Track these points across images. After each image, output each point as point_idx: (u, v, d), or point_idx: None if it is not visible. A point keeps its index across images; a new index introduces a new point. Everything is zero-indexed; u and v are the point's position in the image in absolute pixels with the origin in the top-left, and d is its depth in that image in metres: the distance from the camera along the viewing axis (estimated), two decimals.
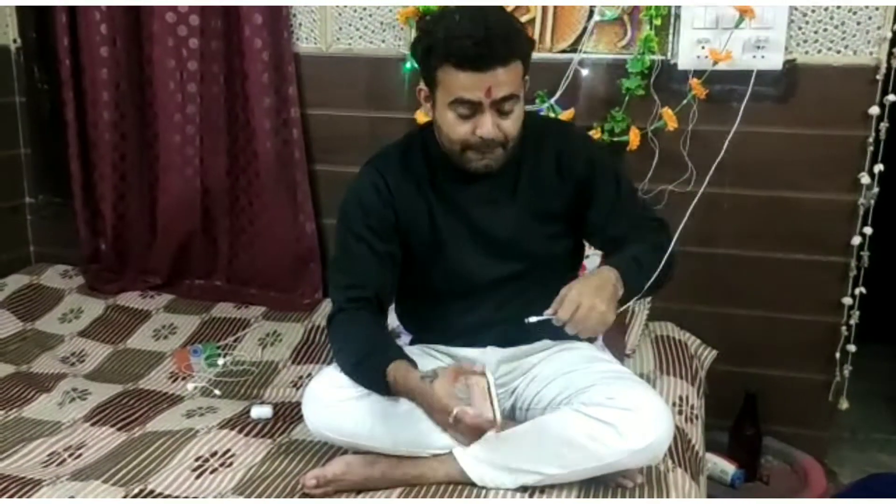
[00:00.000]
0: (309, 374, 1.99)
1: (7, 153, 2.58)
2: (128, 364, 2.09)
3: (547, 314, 1.38)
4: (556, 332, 1.68)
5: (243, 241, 2.46)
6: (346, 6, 2.28)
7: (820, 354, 2.17)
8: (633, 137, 2.09)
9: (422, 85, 1.51)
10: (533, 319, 1.39)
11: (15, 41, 2.52)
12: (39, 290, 2.43)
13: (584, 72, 2.15)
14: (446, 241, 1.59)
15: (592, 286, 1.40)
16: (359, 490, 1.47)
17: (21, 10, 2.49)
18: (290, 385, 1.97)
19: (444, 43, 1.40)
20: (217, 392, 1.93)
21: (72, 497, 1.42)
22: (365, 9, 2.28)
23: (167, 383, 1.98)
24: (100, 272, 2.50)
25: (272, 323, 2.29)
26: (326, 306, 2.37)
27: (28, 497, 1.42)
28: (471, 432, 1.43)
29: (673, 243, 1.54)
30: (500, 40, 1.39)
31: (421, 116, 2.24)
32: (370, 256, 1.57)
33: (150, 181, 2.47)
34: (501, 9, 1.52)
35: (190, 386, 1.95)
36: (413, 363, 1.45)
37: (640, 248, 1.53)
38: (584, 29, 2.14)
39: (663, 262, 1.50)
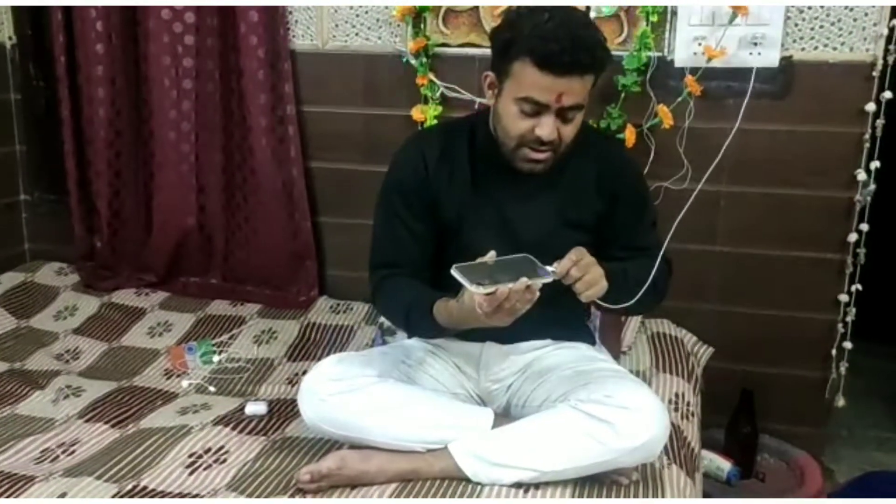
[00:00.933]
0: (304, 371, 1.98)
1: (2, 150, 2.58)
2: (122, 361, 2.08)
3: (554, 268, 1.37)
4: (556, 332, 1.69)
5: (239, 239, 2.45)
6: (341, 4, 2.28)
7: (816, 352, 2.17)
8: (629, 135, 2.08)
9: (489, 72, 1.51)
10: (547, 277, 1.35)
11: (10, 38, 2.52)
12: (34, 288, 2.42)
13: None
14: (470, 229, 1.59)
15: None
16: (353, 485, 1.47)
17: (16, 8, 2.49)
18: (285, 382, 1.96)
19: (529, 39, 1.39)
20: (212, 389, 1.92)
21: (64, 494, 1.41)
22: (361, 6, 2.28)
23: (162, 380, 1.97)
24: (95, 270, 2.50)
25: (268, 320, 2.28)
26: (322, 304, 2.37)
27: (20, 494, 1.41)
28: (505, 312, 1.35)
29: (653, 271, 1.54)
30: (585, 51, 1.39)
31: (417, 113, 2.24)
32: (407, 236, 1.60)
33: (145, 178, 2.46)
34: (588, 18, 1.49)
35: (185, 383, 1.94)
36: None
37: (634, 267, 1.55)
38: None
39: (647, 286, 1.51)
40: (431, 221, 1.61)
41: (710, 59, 1.99)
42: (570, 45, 1.37)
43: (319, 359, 2.00)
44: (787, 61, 2.02)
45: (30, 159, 2.60)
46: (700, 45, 2.02)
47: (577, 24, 1.41)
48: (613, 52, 2.08)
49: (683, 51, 2.05)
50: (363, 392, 1.52)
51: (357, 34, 2.30)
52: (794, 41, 2.02)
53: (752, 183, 2.09)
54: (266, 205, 2.37)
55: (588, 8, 2.10)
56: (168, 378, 1.99)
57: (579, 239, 1.59)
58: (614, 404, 1.43)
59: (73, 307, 2.35)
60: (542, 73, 1.39)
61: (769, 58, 2.01)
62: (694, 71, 2.03)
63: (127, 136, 2.43)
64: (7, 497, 1.41)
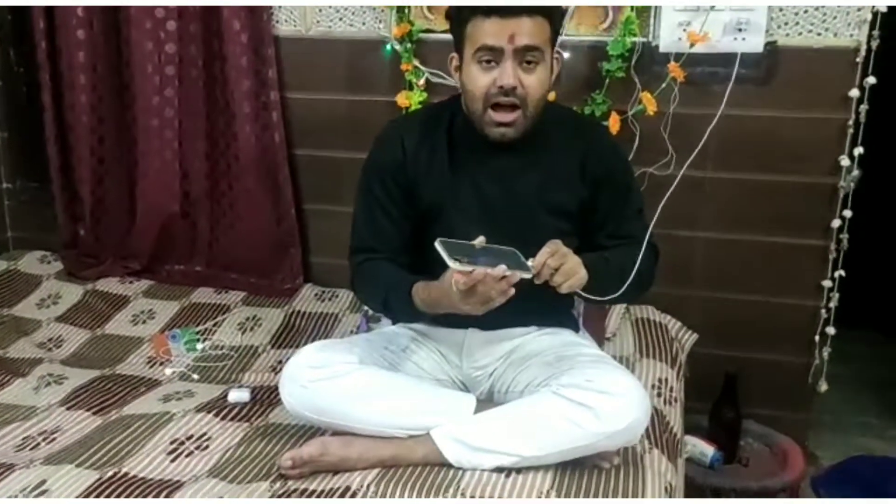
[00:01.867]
0: (289, 359, 1.97)
1: None
2: (106, 349, 2.07)
3: (534, 262, 1.37)
4: (540, 320, 1.69)
5: (223, 226, 2.44)
6: None
7: (800, 337, 2.18)
8: (614, 121, 2.08)
9: (453, 54, 1.54)
10: (527, 273, 1.36)
11: None
12: (17, 276, 2.41)
13: (565, 54, 2.13)
14: (450, 212, 1.58)
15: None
16: (335, 471, 1.47)
17: None
18: (269, 370, 1.96)
19: None
20: (195, 376, 1.92)
21: (44, 481, 1.41)
22: None
23: (145, 368, 1.97)
24: (78, 257, 2.48)
25: (252, 308, 2.28)
26: (307, 291, 2.37)
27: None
28: (479, 297, 1.36)
29: (637, 262, 1.53)
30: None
31: (402, 99, 2.23)
32: (386, 220, 1.60)
33: (128, 165, 2.44)
34: None
35: (168, 371, 1.94)
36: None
37: (617, 255, 1.56)
38: (565, 11, 2.12)
39: (633, 275, 1.51)
40: (411, 206, 1.61)
41: (693, 45, 1.99)
42: None
43: (303, 346, 2.01)
44: (771, 47, 2.02)
45: (11, 146, 2.58)
46: (684, 30, 2.02)
47: None
48: (597, 39, 2.12)
49: (668, 36, 2.05)
50: (345, 378, 1.51)
51: (341, 19, 2.29)
52: (779, 27, 2.01)
53: (736, 169, 2.09)
54: (250, 192, 2.36)
55: None
56: (151, 366, 1.98)
57: (562, 226, 1.59)
58: (595, 389, 1.44)
59: (57, 295, 2.33)
60: (491, 18, 1.43)
61: (753, 43, 2.01)
62: (678, 57, 2.03)
63: (110, 123, 2.41)
64: None
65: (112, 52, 2.37)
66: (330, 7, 2.28)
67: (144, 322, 2.21)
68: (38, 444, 1.58)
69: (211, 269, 2.48)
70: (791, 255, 2.13)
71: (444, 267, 1.33)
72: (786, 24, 2.01)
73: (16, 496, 1.37)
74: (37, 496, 1.37)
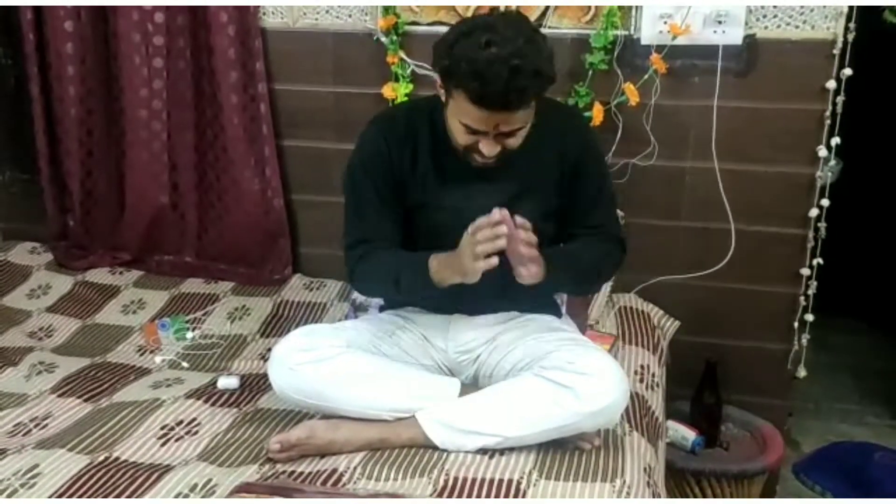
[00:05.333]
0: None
1: None
2: (96, 338, 2.10)
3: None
4: (523, 305, 1.73)
5: (212, 217, 2.46)
6: None
7: (779, 324, 2.22)
8: (597, 112, 2.11)
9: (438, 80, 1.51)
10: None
11: None
12: (7, 267, 2.42)
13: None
14: (434, 211, 1.61)
15: None
16: (322, 454, 1.50)
17: None
18: (257, 357, 1.99)
19: (464, 75, 1.38)
20: (185, 364, 1.94)
21: (36, 465, 1.43)
22: None
23: (135, 356, 1.99)
24: (68, 249, 2.50)
25: (241, 297, 2.30)
26: (296, 281, 2.40)
27: None
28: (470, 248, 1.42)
29: (598, 254, 1.60)
30: (519, 92, 1.38)
31: (388, 91, 2.26)
32: (376, 214, 1.62)
33: (117, 157, 2.46)
34: (534, 43, 1.41)
35: (158, 359, 1.96)
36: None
37: (583, 246, 1.60)
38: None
39: (593, 267, 1.59)
40: (398, 200, 1.63)
41: (675, 37, 2.02)
42: (502, 87, 1.36)
43: None
44: (750, 39, 2.05)
45: (0, 138, 2.58)
46: (666, 23, 2.05)
47: (513, 54, 1.35)
48: (580, 31, 2.15)
49: (649, 28, 2.08)
50: (332, 362, 1.55)
51: (327, 12, 2.30)
52: (758, 19, 2.05)
53: (716, 159, 2.13)
54: (239, 183, 2.38)
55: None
56: (142, 354, 2.01)
57: (541, 212, 1.61)
58: (575, 370, 1.48)
59: (47, 286, 2.35)
60: (477, 108, 1.40)
61: (733, 35, 2.04)
62: (660, 49, 2.06)
63: (98, 115, 2.42)
64: None
65: (100, 43, 2.38)
66: (316, 4, 2.30)
67: (135, 312, 2.23)
68: (30, 430, 1.60)
69: (200, 259, 2.50)
70: (770, 244, 2.17)
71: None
72: (764, 16, 2.05)
73: (8, 479, 1.39)
74: (29, 479, 1.39)
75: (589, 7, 2.15)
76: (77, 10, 2.32)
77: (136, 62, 2.35)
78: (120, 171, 2.46)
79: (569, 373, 1.47)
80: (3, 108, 2.55)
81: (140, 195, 2.43)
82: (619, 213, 2.16)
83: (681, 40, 2.04)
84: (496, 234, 1.40)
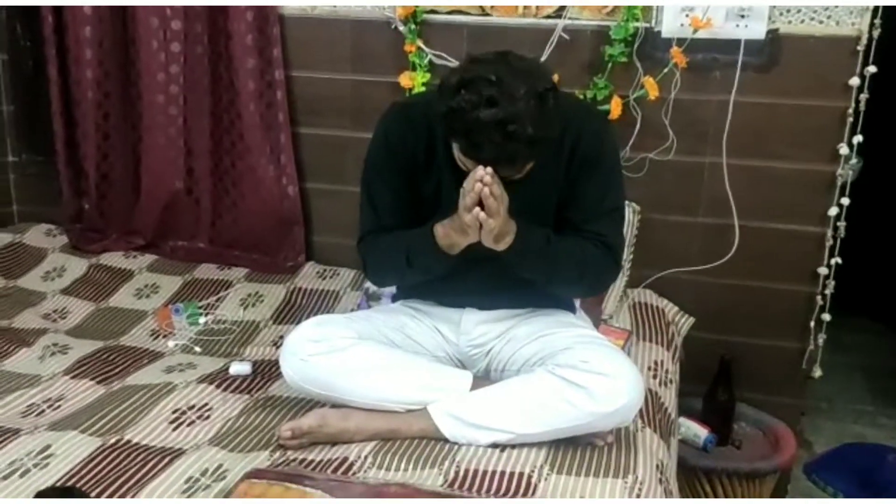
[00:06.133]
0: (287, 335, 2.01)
1: None
2: (110, 321, 2.10)
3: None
4: (536, 301, 1.71)
5: (227, 203, 2.46)
6: None
7: (795, 323, 2.20)
8: (615, 105, 2.09)
9: None
10: None
11: None
12: (22, 249, 2.43)
13: (568, 38, 2.15)
14: (447, 205, 1.56)
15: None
16: (333, 442, 1.50)
17: None
18: (270, 344, 1.99)
19: (457, 131, 1.36)
20: (197, 349, 1.95)
21: (48, 446, 1.44)
22: None
23: (148, 340, 2.00)
24: (83, 232, 2.51)
25: (254, 284, 2.30)
26: (309, 269, 2.39)
27: (5, 445, 1.44)
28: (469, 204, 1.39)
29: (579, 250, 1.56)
30: (509, 158, 1.35)
31: (405, 80, 2.24)
32: (391, 204, 1.61)
33: (133, 141, 2.46)
34: (540, 102, 1.34)
35: (171, 343, 1.97)
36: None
37: (569, 239, 1.55)
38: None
39: (571, 265, 1.54)
40: (412, 192, 1.61)
41: (696, 30, 2.00)
42: (493, 153, 1.33)
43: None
44: (773, 34, 2.03)
45: (17, 120, 2.59)
46: (687, 16, 2.03)
47: (511, 118, 1.30)
48: (600, 23, 2.13)
49: (671, 21, 2.06)
50: (343, 353, 1.54)
51: None
52: (781, 14, 2.02)
53: (735, 155, 2.11)
54: (254, 170, 2.38)
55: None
56: (154, 338, 2.01)
57: (548, 220, 1.59)
58: (590, 370, 1.46)
59: (62, 268, 2.36)
60: (469, 159, 1.39)
61: (756, 30, 2.02)
62: (681, 42, 2.04)
63: (115, 98, 2.42)
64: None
65: (118, 27, 2.38)
66: None
67: (148, 296, 2.23)
68: (43, 410, 1.61)
69: (214, 245, 2.50)
70: (788, 242, 2.15)
71: None
72: (788, 11, 2.02)
73: (21, 459, 1.40)
74: (42, 459, 1.40)
75: None
76: None
77: (153, 46, 2.35)
78: (136, 156, 2.46)
79: (583, 372, 1.46)
80: (20, 91, 2.56)
81: (155, 180, 2.43)
82: (636, 206, 2.16)
83: (702, 34, 2.02)
84: (477, 181, 1.36)
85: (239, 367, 1.78)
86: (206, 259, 2.46)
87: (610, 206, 1.61)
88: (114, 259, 2.42)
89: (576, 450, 1.48)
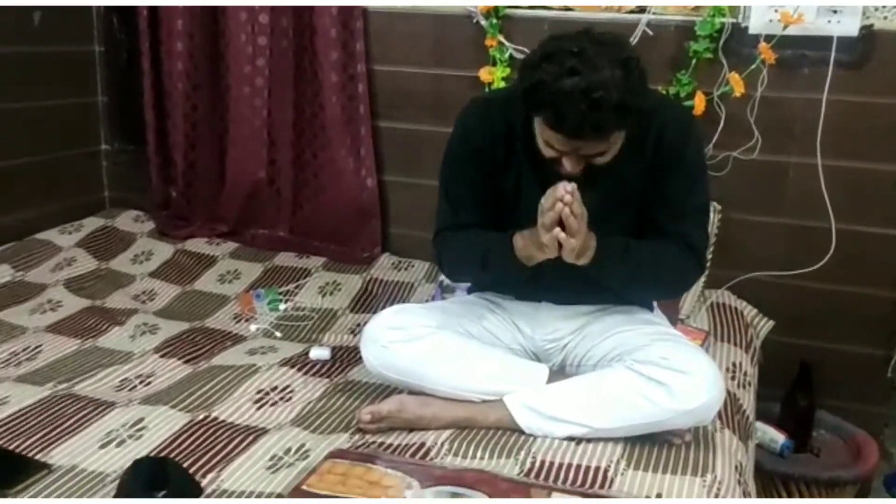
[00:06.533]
0: (367, 322, 2.04)
1: (85, 100, 2.68)
2: (195, 304, 2.18)
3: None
4: (613, 297, 1.70)
5: (307, 194, 2.52)
6: None
7: (879, 329, 2.13)
8: (699, 102, 2.06)
9: None
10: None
11: None
12: (113, 233, 2.54)
13: (651, 34, 2.13)
14: (525, 199, 1.57)
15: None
16: (410, 428, 1.53)
17: None
18: (347, 332, 2.03)
19: (541, 102, 1.35)
20: (278, 334, 2.00)
21: (141, 419, 1.51)
22: None
23: (231, 323, 2.06)
24: (169, 218, 2.60)
25: (332, 273, 2.36)
26: (385, 260, 2.44)
27: (102, 417, 1.51)
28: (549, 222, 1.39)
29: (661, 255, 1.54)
30: (596, 126, 1.32)
31: (485, 74, 2.26)
32: (470, 199, 1.62)
33: (220, 131, 2.54)
34: (626, 73, 1.32)
35: (253, 327, 2.03)
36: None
37: (650, 245, 1.53)
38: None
39: (654, 273, 1.53)
40: (491, 187, 1.62)
41: (786, 26, 1.96)
42: (578, 121, 1.31)
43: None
44: (867, 30, 1.97)
45: (111, 110, 2.70)
46: (777, 11, 1.99)
47: (596, 85, 1.28)
48: (685, 18, 2.10)
49: (759, 17, 2.02)
50: (422, 341, 1.57)
51: None
52: (876, 9, 1.96)
53: (823, 155, 2.05)
54: (335, 161, 2.43)
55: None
56: (237, 322, 2.08)
57: (630, 216, 1.58)
58: (670, 367, 1.45)
59: (149, 252, 2.46)
60: (555, 132, 1.37)
61: (848, 26, 1.96)
62: (769, 38, 2.00)
63: (203, 90, 2.51)
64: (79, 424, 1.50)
65: (208, 21, 2.46)
66: None
67: (230, 282, 2.31)
68: (135, 386, 1.68)
69: (293, 234, 2.57)
70: (873, 245, 2.08)
71: None
72: (883, 6, 1.96)
73: (117, 430, 1.47)
74: (136, 431, 1.47)
75: None
76: None
77: (241, 40, 2.42)
78: (222, 146, 2.55)
79: (663, 368, 1.45)
80: (114, 82, 2.67)
81: (240, 169, 2.51)
82: (716, 205, 2.12)
83: (791, 30, 1.97)
84: (557, 201, 1.35)
85: (318, 352, 1.83)
86: (284, 247, 2.53)
87: (694, 204, 1.58)
88: (198, 245, 2.51)
89: (652, 446, 1.47)
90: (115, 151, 2.73)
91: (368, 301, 2.22)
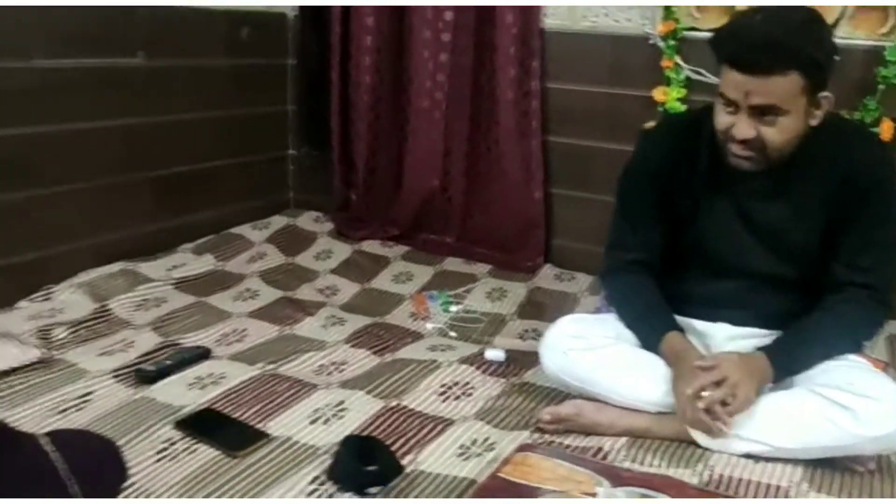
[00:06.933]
0: (534, 329, 2.14)
1: (275, 109, 2.93)
2: (374, 301, 2.34)
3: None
4: (790, 323, 1.67)
5: (477, 203, 2.65)
6: None
7: None
8: (886, 129, 2.03)
9: None
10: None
11: (293, 10, 2.85)
12: (297, 231, 2.76)
13: (838, 58, 2.10)
14: (704, 220, 1.63)
15: (746, 370, 1.50)
16: (586, 433, 1.60)
17: None
18: (516, 336, 2.13)
19: (724, 38, 1.45)
20: (453, 334, 2.13)
21: (342, 402, 1.66)
22: None
23: (408, 321, 2.21)
24: (348, 220, 2.80)
25: (497, 280, 2.47)
26: (547, 271, 2.52)
27: (307, 397, 1.68)
28: (697, 418, 1.48)
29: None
30: (771, 49, 1.38)
31: (659, 94, 2.31)
32: (645, 220, 1.68)
33: (399, 141, 2.72)
34: (810, 24, 1.43)
35: (428, 325, 2.16)
36: (682, 332, 1.63)
37: (821, 323, 1.55)
38: (842, 13, 2.09)
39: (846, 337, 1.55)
40: (668, 209, 1.66)
41: None
42: (753, 45, 1.38)
43: (548, 320, 2.16)
44: None
45: (299, 118, 2.94)
46: None
47: (781, 23, 1.39)
48: (875, 43, 2.06)
49: None
50: (601, 351, 1.64)
51: (606, 15, 2.40)
52: None
53: None
54: (506, 174, 2.54)
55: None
56: (413, 320, 2.22)
57: (814, 238, 1.58)
58: (856, 391, 1.45)
59: (329, 251, 2.65)
60: (732, 70, 1.42)
61: None
62: None
63: (386, 102, 2.69)
64: (289, 401, 1.67)
65: (394, 38, 2.64)
66: (597, 3, 2.39)
67: (404, 282, 2.46)
68: (331, 372, 1.84)
69: (460, 241, 2.70)
70: None
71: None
72: None
73: (321, 409, 1.63)
74: (339, 412, 1.62)
75: (886, 19, 2.06)
76: (379, 7, 2.59)
77: (424, 56, 2.58)
78: (400, 155, 2.72)
79: (848, 393, 1.45)
80: (303, 92, 2.90)
81: (416, 177, 2.67)
82: None
83: None
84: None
85: (494, 354, 1.93)
86: (450, 253, 2.66)
87: (883, 235, 1.56)
88: (373, 247, 2.68)
89: (833, 472, 1.47)
90: (301, 156, 2.96)
91: (534, 309, 2.30)
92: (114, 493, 1.21)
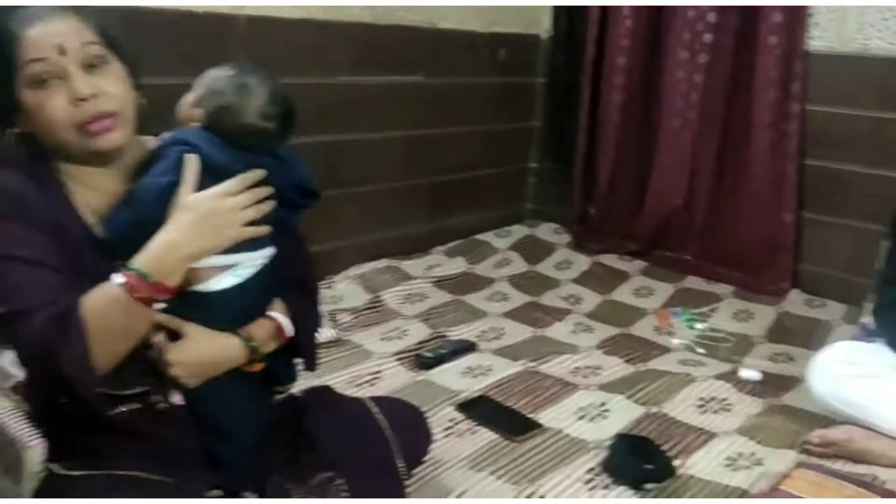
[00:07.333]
0: (786, 353, 2.12)
1: (521, 125, 3.09)
2: (617, 312, 2.41)
3: None
4: None
5: (720, 222, 2.64)
6: (870, 5, 2.31)
7: None
8: None
9: None
10: None
11: (547, 31, 3.00)
12: (536, 241, 2.90)
13: None
14: None
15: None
16: (855, 460, 1.57)
17: (557, 6, 2.95)
18: (767, 359, 2.11)
19: None
20: (700, 350, 2.15)
21: (603, 403, 1.75)
22: (890, 9, 2.28)
23: (653, 334, 2.26)
24: (585, 233, 2.89)
25: (743, 301, 2.45)
26: (795, 296, 2.47)
27: (569, 395, 1.79)
28: None
29: None
30: None
31: None
32: None
33: (644, 159, 2.77)
34: None
35: (675, 340, 2.20)
36: None
37: None
38: None
39: None
40: None
41: None
42: None
43: (801, 345, 2.13)
44: None
45: (544, 134, 3.08)
46: None
47: None
48: None
49: None
50: (878, 380, 1.61)
51: (880, 37, 2.32)
52: None
53: None
54: (755, 195, 2.52)
55: None
56: (658, 334, 2.26)
57: None
58: None
59: (568, 262, 2.76)
60: None
61: None
62: None
63: (634, 120, 2.76)
64: (554, 397, 1.78)
65: (648, 57, 2.71)
66: (871, 25, 2.32)
67: (645, 297, 2.52)
68: (587, 374, 1.94)
69: (699, 259, 2.70)
70: None
71: None
72: None
73: (585, 408, 1.73)
74: (602, 412, 1.71)
75: None
76: (635, 29, 2.67)
77: (677, 76, 2.62)
78: (644, 172, 2.77)
79: None
80: (550, 109, 3.04)
81: (660, 195, 2.71)
82: None
83: None
84: None
85: (749, 373, 1.94)
86: (688, 271, 2.67)
87: None
88: (610, 260, 2.76)
89: None
90: (543, 170, 3.10)
91: (784, 333, 2.27)
92: (423, 454, 1.38)
